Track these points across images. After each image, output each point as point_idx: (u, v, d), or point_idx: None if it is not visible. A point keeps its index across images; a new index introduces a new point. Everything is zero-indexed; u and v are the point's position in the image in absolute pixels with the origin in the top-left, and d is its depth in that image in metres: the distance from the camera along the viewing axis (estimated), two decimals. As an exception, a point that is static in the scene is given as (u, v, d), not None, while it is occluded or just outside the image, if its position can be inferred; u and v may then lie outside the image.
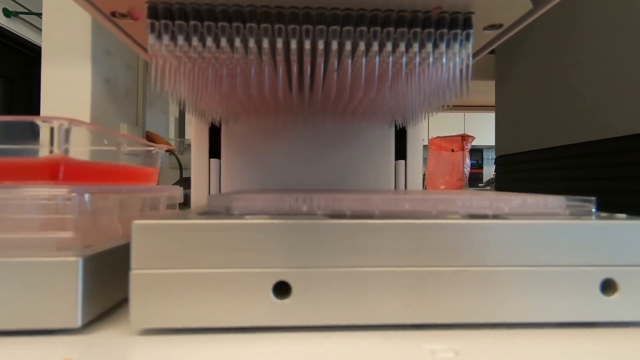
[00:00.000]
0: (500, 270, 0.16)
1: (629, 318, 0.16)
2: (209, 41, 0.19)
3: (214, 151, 0.37)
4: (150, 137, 1.14)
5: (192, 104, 0.26)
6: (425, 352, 0.14)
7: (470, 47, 0.20)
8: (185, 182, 1.24)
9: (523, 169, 0.85)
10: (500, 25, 0.21)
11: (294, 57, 0.20)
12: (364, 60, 0.20)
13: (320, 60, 0.20)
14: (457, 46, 0.20)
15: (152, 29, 0.19)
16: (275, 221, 0.15)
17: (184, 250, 0.15)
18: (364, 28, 0.19)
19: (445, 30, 0.20)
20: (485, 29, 0.21)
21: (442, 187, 1.45)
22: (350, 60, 0.20)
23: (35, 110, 0.98)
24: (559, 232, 0.16)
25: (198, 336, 0.15)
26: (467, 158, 1.46)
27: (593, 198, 0.18)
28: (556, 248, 0.16)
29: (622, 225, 0.16)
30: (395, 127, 0.37)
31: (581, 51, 0.68)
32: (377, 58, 0.20)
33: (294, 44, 0.19)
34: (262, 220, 0.15)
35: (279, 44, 0.19)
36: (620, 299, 0.16)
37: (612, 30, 0.58)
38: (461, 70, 0.20)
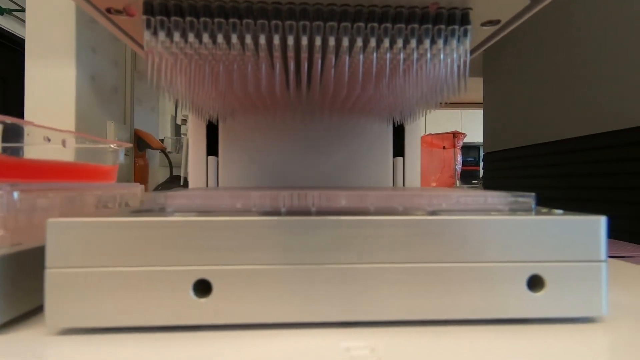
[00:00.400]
0: (425, 267, 0.16)
1: (555, 314, 0.16)
2: (206, 37, 0.19)
3: (212, 149, 0.37)
4: (139, 136, 1.13)
5: (188, 100, 0.25)
6: (341, 350, 0.14)
7: (467, 43, 0.20)
8: (175, 180, 1.22)
9: (509, 166, 0.86)
10: (498, 22, 0.21)
11: (291, 54, 0.20)
12: (361, 56, 0.20)
13: (317, 56, 0.20)
14: (454, 42, 0.20)
15: (148, 26, 0.19)
16: (193, 218, 0.15)
17: (99, 249, 0.15)
18: (362, 24, 0.19)
19: (443, 27, 0.20)
20: (482, 24, 0.22)
21: (434, 184, 1.46)
22: (347, 57, 0.20)
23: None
24: (484, 228, 0.16)
25: (116, 336, 0.15)
26: (458, 155, 1.47)
27: (533, 194, 0.18)
28: (482, 244, 0.16)
29: (548, 221, 0.16)
30: (393, 124, 0.38)
31: (567, 50, 0.69)
32: (375, 54, 0.20)
33: (290, 40, 0.19)
34: (179, 217, 0.15)
35: (276, 40, 0.19)
36: (547, 295, 0.16)
37: (600, 30, 0.59)
38: (459, 67, 0.20)
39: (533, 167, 0.76)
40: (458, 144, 1.47)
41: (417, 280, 0.16)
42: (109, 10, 0.19)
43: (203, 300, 0.15)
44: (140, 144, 1.09)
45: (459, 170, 1.46)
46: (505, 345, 0.14)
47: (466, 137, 1.53)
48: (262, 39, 0.19)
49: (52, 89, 0.95)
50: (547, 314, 0.16)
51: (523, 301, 0.16)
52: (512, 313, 0.16)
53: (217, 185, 0.37)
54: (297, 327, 0.15)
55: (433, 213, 0.17)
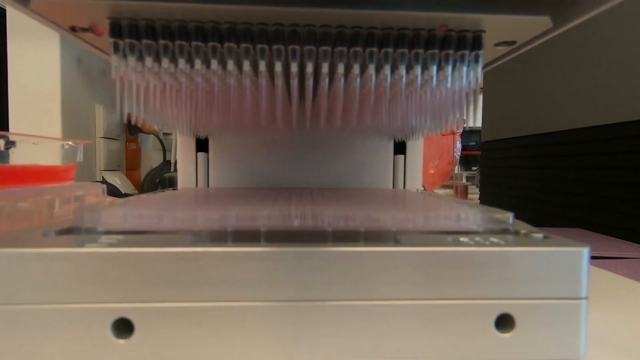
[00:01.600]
0: (377, 304, 0.14)
1: (525, 357, 0.14)
2: (182, 63, 0.17)
3: (201, 144, 0.35)
4: (130, 119, 1.09)
5: (168, 125, 0.23)
6: None
7: (479, 70, 0.18)
8: (168, 165, 1.20)
9: (506, 156, 0.85)
10: (514, 42, 0.19)
11: (278, 81, 0.17)
12: (357, 83, 0.18)
13: (308, 83, 0.18)
14: (464, 69, 0.18)
15: (116, 49, 0.16)
16: (109, 250, 0.13)
17: (9, 283, 0.13)
18: (359, 48, 0.17)
19: (451, 51, 0.18)
20: (496, 45, 0.19)
21: (432, 171, 1.45)
22: (342, 85, 0.18)
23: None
24: (449, 261, 0.14)
25: None
26: (457, 142, 1.44)
27: (510, 213, 0.17)
28: (445, 279, 0.14)
29: (522, 254, 0.14)
30: None
31: (570, 42, 0.67)
32: (373, 81, 0.18)
33: (278, 67, 0.17)
34: (92, 248, 0.13)
35: (262, 66, 0.17)
36: (516, 336, 0.14)
37: (604, 23, 0.56)
38: (467, 95, 0.18)
39: (530, 158, 0.75)
40: (457, 130, 1.45)
41: (371, 319, 0.14)
42: (73, 29, 0.17)
43: (122, 341, 0.13)
44: (131, 128, 1.06)
45: (457, 157, 1.44)
46: None
47: (466, 122, 1.50)
48: (247, 65, 0.17)
49: (36, 71, 0.91)
50: (515, 357, 0.14)
51: (489, 342, 0.14)
52: (475, 356, 0.14)
53: (208, 184, 0.35)
54: None
55: (396, 240, 0.15)
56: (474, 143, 1.94)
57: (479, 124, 0.97)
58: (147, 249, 0.13)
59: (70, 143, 0.38)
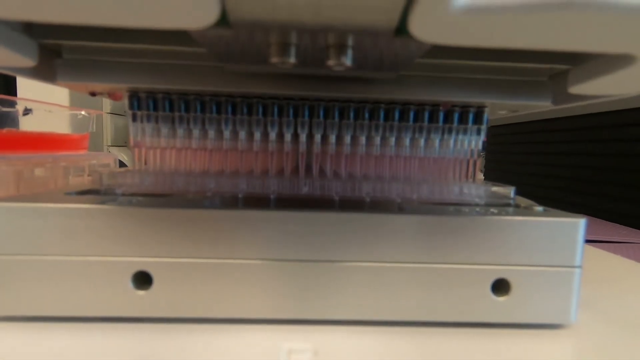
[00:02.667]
0: (383, 266, 0.14)
1: (518, 320, 0.15)
2: (196, 132, 0.18)
3: None
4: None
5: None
6: (282, 352, 0.13)
7: (480, 141, 0.19)
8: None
9: (511, 141, 0.85)
10: (516, 110, 0.20)
11: (287, 149, 0.18)
12: (363, 152, 0.19)
13: (315, 150, 0.19)
14: (466, 141, 0.19)
15: (134, 119, 0.17)
16: (131, 208, 0.14)
17: (30, 236, 0.14)
18: (365, 122, 0.18)
19: (454, 126, 0.18)
20: (499, 110, 0.20)
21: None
22: (348, 152, 0.19)
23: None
24: (451, 227, 0.14)
25: (49, 325, 0.14)
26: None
27: (512, 187, 0.18)
28: (447, 244, 0.15)
29: (522, 223, 0.15)
30: None
31: None
32: (377, 151, 0.19)
33: (288, 137, 0.18)
34: (113, 206, 0.14)
35: (272, 136, 0.18)
36: (511, 300, 0.15)
37: None
38: (469, 163, 0.19)
39: (536, 144, 0.75)
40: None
41: (373, 280, 0.15)
42: (93, 94, 0.18)
43: (142, 292, 0.14)
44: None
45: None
46: (461, 349, 0.14)
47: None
48: (257, 136, 0.18)
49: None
50: (509, 319, 0.15)
51: (485, 305, 0.15)
52: (471, 317, 0.15)
53: None
54: (240, 323, 0.15)
55: (400, 208, 0.15)
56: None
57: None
58: (165, 209, 0.14)
59: (83, 113, 0.39)
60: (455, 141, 0.19)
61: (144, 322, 0.14)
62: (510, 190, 0.18)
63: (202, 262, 0.14)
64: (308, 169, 0.19)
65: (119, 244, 0.14)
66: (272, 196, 0.16)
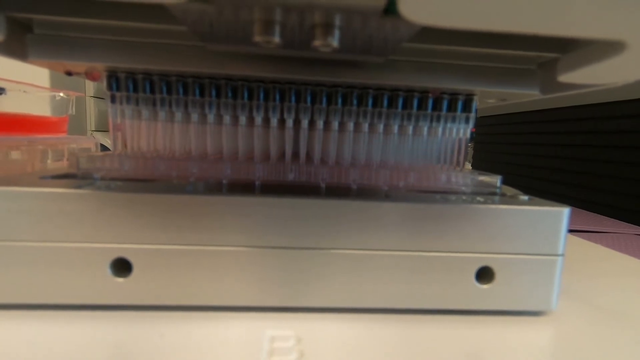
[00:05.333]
0: (367, 254, 0.14)
1: (499, 307, 0.15)
2: (178, 116, 0.17)
3: None
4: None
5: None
6: (265, 338, 0.13)
7: (469, 129, 0.19)
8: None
9: (500, 132, 0.85)
10: (504, 99, 0.19)
11: (273, 134, 0.18)
12: (350, 139, 0.18)
13: (303, 136, 0.18)
14: (454, 129, 0.19)
15: (113, 100, 0.17)
16: (109, 192, 0.14)
17: (8, 221, 0.13)
18: (353, 108, 0.18)
19: (442, 113, 0.18)
20: (487, 99, 0.20)
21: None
22: (335, 138, 0.18)
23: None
24: (436, 215, 0.14)
25: (26, 313, 0.14)
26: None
27: (499, 176, 0.18)
28: (432, 232, 0.15)
29: (506, 211, 0.15)
30: None
31: None
32: (366, 137, 0.19)
33: (274, 122, 0.18)
34: (92, 190, 0.14)
35: (258, 121, 0.18)
36: (494, 287, 0.15)
37: None
38: (457, 149, 0.19)
39: (523, 134, 0.76)
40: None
41: (358, 268, 0.15)
42: (69, 73, 0.17)
43: (121, 280, 0.14)
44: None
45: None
46: (444, 335, 0.14)
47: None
48: (243, 121, 0.17)
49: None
50: (492, 307, 0.15)
51: (469, 293, 0.15)
52: (455, 304, 0.15)
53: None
54: (222, 311, 0.14)
55: (386, 195, 0.15)
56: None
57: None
58: (145, 193, 0.14)
59: (62, 95, 0.37)
60: (444, 129, 0.19)
61: (123, 309, 0.14)
62: (496, 179, 0.18)
63: (183, 249, 0.14)
64: (295, 155, 0.18)
65: (96, 229, 0.14)
66: (257, 182, 0.16)
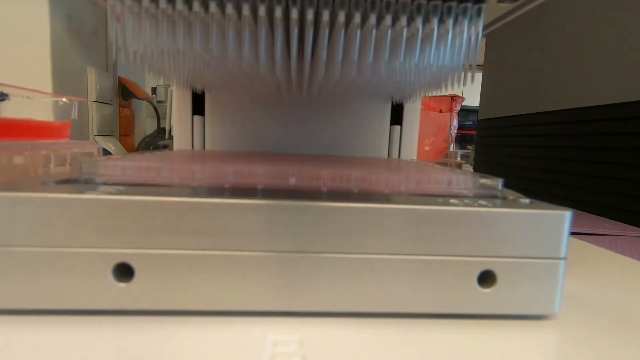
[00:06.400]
0: (371, 257, 0.14)
1: (503, 311, 0.15)
2: (180, 4, 0.16)
3: (198, 108, 0.35)
4: (123, 84, 1.06)
5: (165, 74, 0.23)
6: (267, 344, 0.13)
7: (480, 24, 0.18)
8: (162, 132, 1.20)
9: (502, 134, 0.85)
10: None
11: (278, 28, 0.17)
12: (358, 34, 0.17)
13: (308, 32, 0.18)
14: (465, 22, 0.18)
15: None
16: (111, 197, 0.14)
17: (7, 226, 0.13)
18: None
19: (454, 4, 0.17)
20: (499, 1, 0.19)
21: (427, 148, 1.45)
22: (342, 34, 0.17)
23: None
24: (438, 219, 0.14)
25: (28, 318, 0.14)
26: (454, 119, 1.43)
27: (500, 179, 0.18)
28: (434, 236, 0.15)
29: (508, 215, 0.15)
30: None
31: (565, 24, 0.65)
32: (374, 33, 0.17)
33: (278, 12, 0.17)
34: (94, 195, 0.14)
35: (262, 11, 0.17)
36: (496, 291, 0.15)
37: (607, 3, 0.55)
38: (468, 51, 0.18)
39: (524, 137, 0.76)
40: (455, 108, 1.43)
41: (360, 272, 0.15)
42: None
43: (123, 285, 0.14)
44: (124, 92, 1.04)
45: (453, 134, 1.43)
46: (447, 340, 0.14)
47: (465, 100, 1.48)
48: (246, 10, 0.17)
49: (24, 28, 0.87)
50: (494, 311, 0.15)
51: (471, 296, 0.15)
52: (458, 308, 0.15)
53: (204, 147, 0.36)
54: (225, 316, 0.14)
55: (388, 199, 0.15)
56: (470, 122, 1.92)
57: (477, 102, 0.97)
58: (148, 198, 0.14)
59: (64, 100, 0.38)
60: (455, 22, 0.18)
61: (125, 315, 0.14)
62: (498, 182, 0.18)
63: (184, 254, 0.14)
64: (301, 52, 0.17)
65: (98, 234, 0.14)
66: (259, 186, 0.16)
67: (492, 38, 0.95)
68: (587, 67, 0.59)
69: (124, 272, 0.14)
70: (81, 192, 0.14)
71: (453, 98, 1.44)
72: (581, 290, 0.19)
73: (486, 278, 0.15)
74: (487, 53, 0.96)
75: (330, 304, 0.15)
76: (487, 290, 0.15)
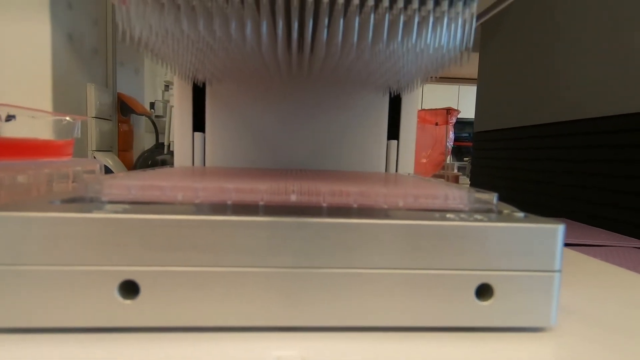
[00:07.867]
0: (369, 272, 0.15)
1: (500, 324, 0.15)
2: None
3: (198, 124, 0.35)
4: (122, 100, 1.07)
5: (168, 59, 0.23)
6: (271, 358, 0.13)
7: (474, 6, 0.18)
8: (161, 147, 1.20)
9: (498, 147, 0.86)
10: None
11: (279, 11, 0.18)
12: (357, 17, 0.18)
13: (309, 15, 0.18)
14: (460, 5, 0.18)
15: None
16: (118, 215, 0.14)
17: (14, 245, 0.14)
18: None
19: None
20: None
21: (424, 160, 1.46)
22: (342, 17, 0.18)
23: None
24: (436, 233, 0.15)
25: (35, 336, 0.14)
26: (450, 132, 1.45)
27: (495, 194, 0.18)
28: (433, 250, 0.15)
29: (503, 229, 0.15)
30: (390, 100, 0.36)
31: (563, 32, 0.66)
32: (372, 15, 0.18)
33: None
34: (101, 214, 0.14)
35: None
36: (494, 304, 0.15)
37: (601, 13, 0.56)
38: (463, 34, 0.19)
39: (520, 149, 0.77)
40: (451, 121, 1.44)
41: (360, 287, 0.15)
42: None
43: (129, 302, 0.14)
44: (123, 108, 1.05)
45: (450, 147, 1.45)
46: (446, 354, 0.14)
47: (460, 113, 1.49)
48: None
49: (26, 47, 0.88)
50: (492, 324, 0.15)
51: (469, 310, 0.15)
52: (456, 322, 0.15)
53: (204, 163, 0.36)
54: (228, 332, 0.15)
55: (386, 214, 0.16)
56: (467, 134, 1.95)
57: (473, 114, 0.98)
58: (152, 216, 0.14)
59: (68, 119, 0.38)
60: (450, 5, 0.18)
61: (130, 332, 0.14)
62: (493, 197, 0.18)
63: (188, 270, 0.14)
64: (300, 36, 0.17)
65: (104, 252, 0.14)
66: (260, 203, 0.17)
67: (486, 52, 0.96)
68: (581, 80, 0.60)
69: (129, 289, 0.14)
70: (89, 211, 0.14)
71: (449, 111, 1.45)
72: (577, 302, 0.19)
73: (484, 291, 0.15)
74: (481, 67, 0.98)
75: (332, 318, 0.15)
76: (484, 303, 0.15)
